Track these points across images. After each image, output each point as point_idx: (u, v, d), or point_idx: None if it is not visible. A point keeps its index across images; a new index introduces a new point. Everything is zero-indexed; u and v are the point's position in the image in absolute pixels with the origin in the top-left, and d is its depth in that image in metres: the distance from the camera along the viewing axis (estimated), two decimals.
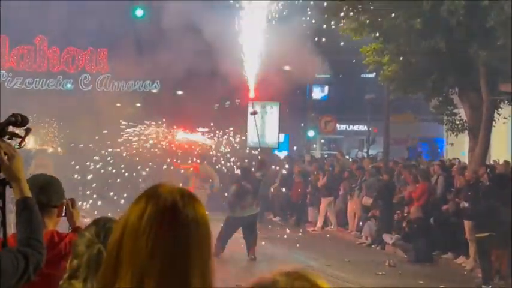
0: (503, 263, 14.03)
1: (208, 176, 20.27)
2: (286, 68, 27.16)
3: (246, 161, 21.25)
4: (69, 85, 28.45)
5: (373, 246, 18.68)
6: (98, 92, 27.80)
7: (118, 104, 26.06)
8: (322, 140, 36.82)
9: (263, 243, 17.29)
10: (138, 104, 27.01)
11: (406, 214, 17.83)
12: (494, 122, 18.53)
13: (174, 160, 21.75)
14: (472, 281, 14.33)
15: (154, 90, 28.78)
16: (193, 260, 1.81)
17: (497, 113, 18.92)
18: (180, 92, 28.52)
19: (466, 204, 15.26)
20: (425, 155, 27.78)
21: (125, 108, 25.83)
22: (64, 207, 4.05)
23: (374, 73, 21.71)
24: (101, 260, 2.59)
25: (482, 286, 13.73)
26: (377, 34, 18.52)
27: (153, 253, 1.78)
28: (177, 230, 1.82)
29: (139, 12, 27.05)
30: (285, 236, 19.58)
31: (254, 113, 21.93)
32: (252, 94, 23.57)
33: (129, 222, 1.84)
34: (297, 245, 18.06)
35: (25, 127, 3.20)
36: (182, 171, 21.50)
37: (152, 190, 1.90)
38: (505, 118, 19.57)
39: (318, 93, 35.38)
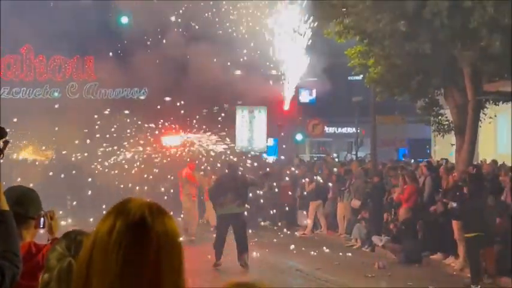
0: (489, 262, 14.08)
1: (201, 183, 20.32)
2: (273, 72, 27.21)
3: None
4: (56, 94, 28.40)
5: (363, 248, 18.71)
6: (86, 100, 27.81)
7: (106, 112, 26.03)
8: (311, 143, 36.85)
9: (252, 245, 17.30)
10: (127, 111, 26.98)
11: (394, 216, 17.88)
12: (480, 122, 18.63)
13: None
14: (461, 281, 14.36)
15: (142, 97, 28.76)
16: (164, 275, 1.80)
17: (483, 113, 19.03)
18: (168, 98, 28.49)
19: (454, 204, 15.31)
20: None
21: (113, 115, 25.81)
22: (43, 219, 4.04)
23: (361, 75, 21.76)
24: (71, 273, 2.60)
25: (472, 286, 13.77)
26: (360, 38, 18.58)
27: (123, 270, 1.77)
28: (147, 246, 1.80)
29: (124, 20, 27.03)
30: (275, 240, 19.59)
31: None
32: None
33: (98, 239, 1.82)
34: (287, 249, 18.07)
35: (3, 139, 3.18)
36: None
37: (121, 205, 1.88)
38: (490, 118, 19.69)
39: (306, 97, 35.41)
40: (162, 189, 22.49)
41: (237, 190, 15.31)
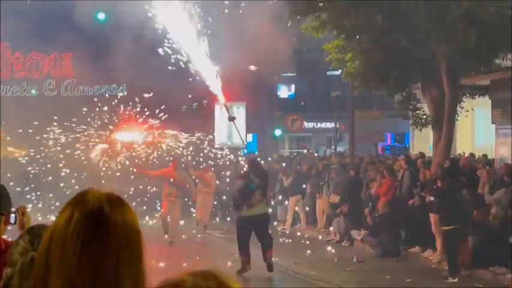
0: (466, 254, 14.18)
1: (184, 183, 19.39)
2: (252, 67, 27.19)
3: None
4: (33, 91, 28.21)
5: (342, 243, 18.77)
6: (64, 97, 27.67)
7: (84, 109, 25.90)
8: (290, 139, 36.92)
9: (230, 240, 17.31)
10: (105, 108, 26.86)
11: (373, 210, 17.96)
12: (457, 116, 18.74)
13: (138, 163, 21.48)
14: (439, 274, 14.45)
15: (121, 94, 28.62)
16: (123, 267, 1.79)
17: (460, 107, 19.17)
18: (146, 95, 28.39)
19: (432, 198, 15.40)
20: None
21: (92, 112, 25.68)
22: (14, 215, 4.01)
23: (339, 70, 21.84)
24: (34, 267, 2.59)
25: (449, 278, 13.87)
26: (337, 32, 18.65)
27: (81, 261, 1.76)
28: (105, 236, 1.80)
29: (101, 16, 26.89)
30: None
31: (233, 119, 19.99)
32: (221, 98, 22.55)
33: (57, 230, 1.82)
34: None
35: None
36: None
37: (79, 196, 1.88)
38: (467, 111, 19.83)
39: (284, 92, 35.46)
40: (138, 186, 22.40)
41: (263, 188, 13.99)
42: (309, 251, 17.15)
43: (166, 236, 18.21)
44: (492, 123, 19.53)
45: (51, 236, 1.83)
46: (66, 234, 1.80)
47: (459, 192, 14.50)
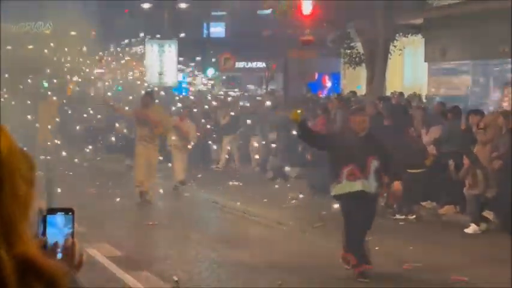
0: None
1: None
2: (182, 5, 26.82)
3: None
4: None
5: (277, 180, 18.94)
6: None
7: (8, 47, 25.16)
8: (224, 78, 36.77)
9: (166, 179, 17.33)
10: (31, 46, 26.16)
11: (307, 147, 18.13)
12: (389, 54, 18.96)
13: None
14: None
15: (47, 32, 27.88)
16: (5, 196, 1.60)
17: (393, 45, 19.37)
18: (73, 33, 27.75)
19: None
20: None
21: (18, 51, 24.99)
22: None
23: (270, 9, 21.73)
24: None
25: (397, 215, 14.02)
26: None
27: None
28: None
29: None
30: (190, 175, 19.60)
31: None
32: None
33: None
34: (202, 183, 18.15)
35: None
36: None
37: None
38: (400, 50, 20.06)
39: (215, 31, 35.11)
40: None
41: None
42: (244, 189, 17.26)
43: None
44: (425, 61, 19.84)
45: None
46: None
47: (404, 131, 14.70)
